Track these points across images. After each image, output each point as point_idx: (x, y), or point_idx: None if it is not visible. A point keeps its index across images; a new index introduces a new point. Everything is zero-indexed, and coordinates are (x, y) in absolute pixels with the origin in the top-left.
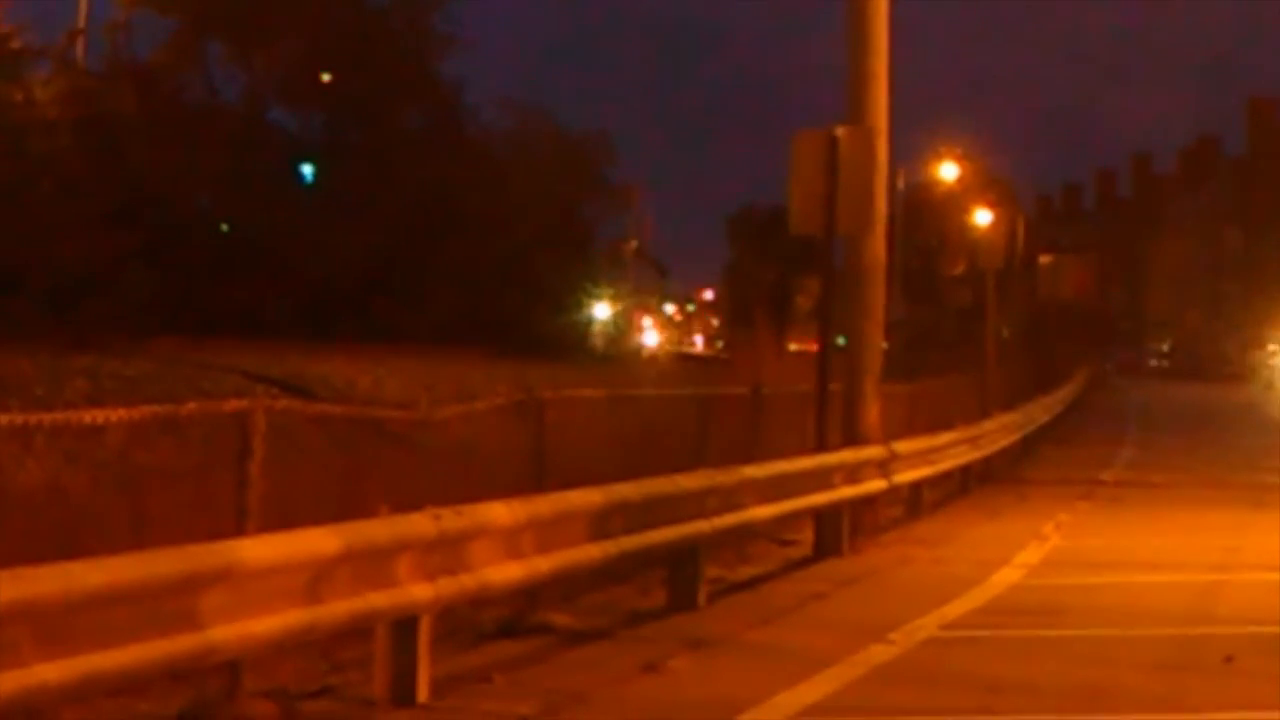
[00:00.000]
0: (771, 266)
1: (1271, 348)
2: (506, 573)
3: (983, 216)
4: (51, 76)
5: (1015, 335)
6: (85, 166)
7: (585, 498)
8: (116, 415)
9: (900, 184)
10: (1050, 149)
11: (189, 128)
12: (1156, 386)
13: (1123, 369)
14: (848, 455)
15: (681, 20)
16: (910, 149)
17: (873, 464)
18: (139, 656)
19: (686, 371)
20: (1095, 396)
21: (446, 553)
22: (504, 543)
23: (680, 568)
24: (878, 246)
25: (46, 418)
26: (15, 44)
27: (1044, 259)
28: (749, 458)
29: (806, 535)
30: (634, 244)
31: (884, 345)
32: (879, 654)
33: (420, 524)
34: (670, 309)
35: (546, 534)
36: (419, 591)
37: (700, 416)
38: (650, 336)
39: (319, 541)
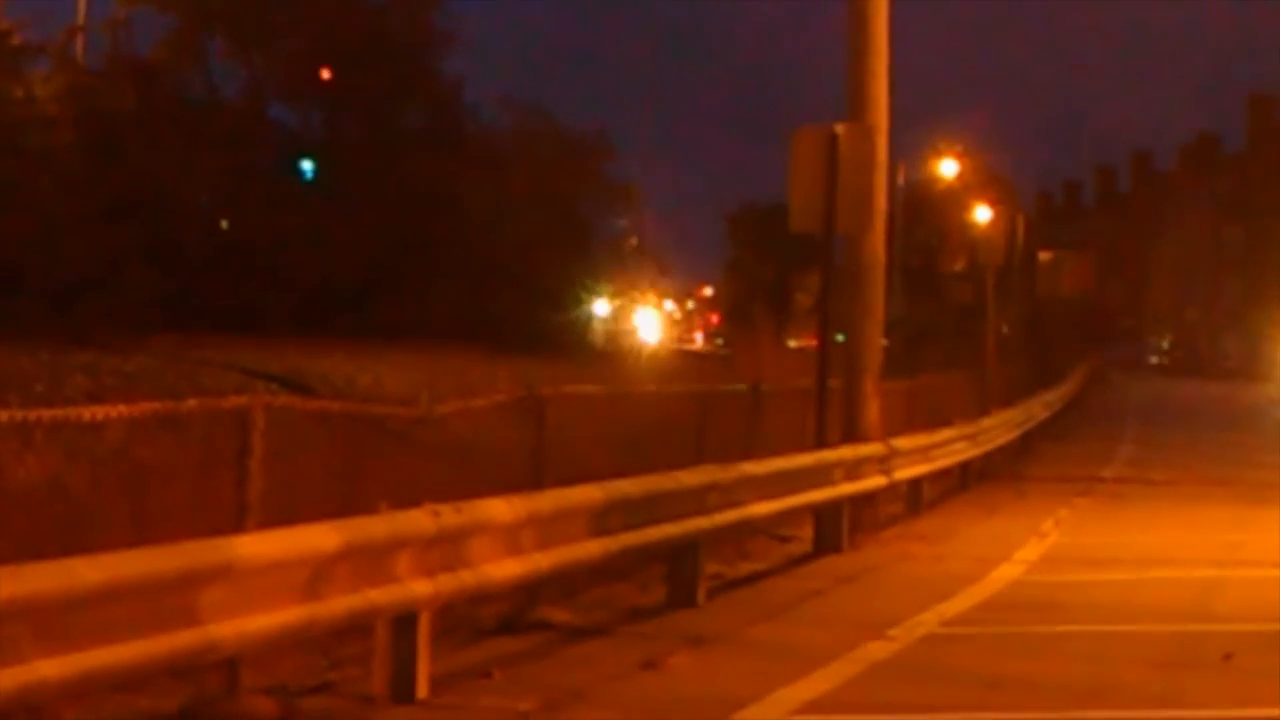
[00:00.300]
0: (772, 264)
1: None
2: (506, 569)
3: (983, 213)
4: (51, 73)
5: (1015, 332)
6: (85, 163)
7: (585, 494)
8: (116, 412)
9: (900, 180)
10: (1050, 146)
11: (189, 125)
12: (1156, 383)
13: (1122, 365)
14: (847, 452)
15: (681, 20)
16: (910, 146)
17: (872, 460)
18: (139, 653)
19: (686, 367)
20: (1095, 393)
21: (446, 549)
22: (504, 539)
23: (680, 564)
24: (877, 244)
25: (46, 414)
26: (15, 40)
27: (1044, 256)
28: (749, 454)
29: (806, 532)
30: (634, 241)
31: (884, 342)
32: (878, 650)
33: (420, 521)
34: (670, 306)
35: (546, 530)
36: (419, 588)
37: (700, 413)
38: (650, 333)
39: (319, 538)
